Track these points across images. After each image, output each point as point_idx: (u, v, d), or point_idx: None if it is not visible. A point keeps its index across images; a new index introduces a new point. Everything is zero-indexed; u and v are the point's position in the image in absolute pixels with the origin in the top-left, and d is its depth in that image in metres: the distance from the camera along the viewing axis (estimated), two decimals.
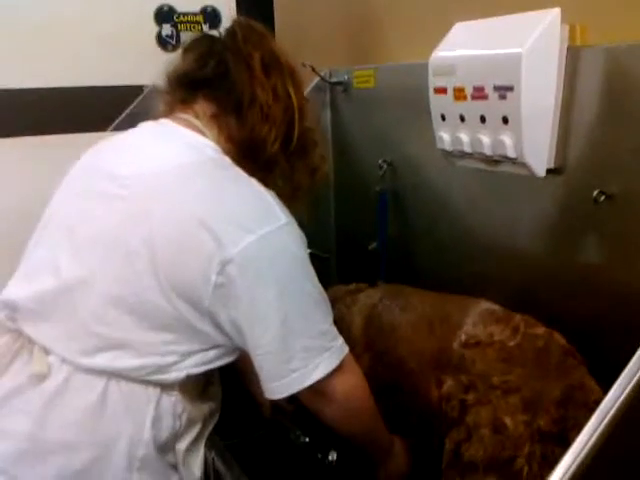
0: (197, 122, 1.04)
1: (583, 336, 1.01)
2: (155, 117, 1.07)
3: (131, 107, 2.07)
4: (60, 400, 0.94)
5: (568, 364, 0.93)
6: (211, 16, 1.60)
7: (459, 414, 0.94)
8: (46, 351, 0.96)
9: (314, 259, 1.67)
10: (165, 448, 1.00)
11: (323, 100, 1.59)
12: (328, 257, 1.66)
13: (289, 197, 1.05)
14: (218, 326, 0.95)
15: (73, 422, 0.94)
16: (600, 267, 1.03)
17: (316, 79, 1.55)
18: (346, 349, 1.00)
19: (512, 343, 0.94)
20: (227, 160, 1.02)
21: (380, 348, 1.17)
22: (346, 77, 1.52)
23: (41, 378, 0.94)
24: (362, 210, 1.58)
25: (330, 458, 1.11)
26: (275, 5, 1.54)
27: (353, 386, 1.02)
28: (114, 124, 2.01)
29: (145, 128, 1.08)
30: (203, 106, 1.05)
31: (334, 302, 1.37)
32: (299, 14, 1.72)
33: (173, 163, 0.98)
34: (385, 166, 1.45)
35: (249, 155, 1.03)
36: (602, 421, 0.68)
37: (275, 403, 1.17)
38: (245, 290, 0.91)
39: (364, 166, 1.53)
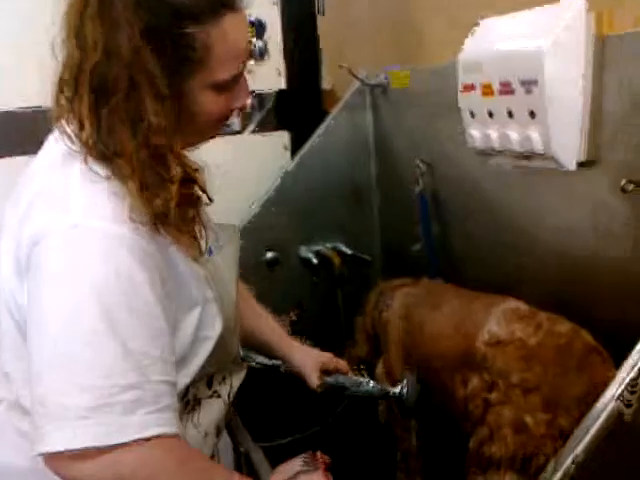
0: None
1: (619, 331, 0.97)
2: None
3: None
4: None
5: (592, 361, 0.90)
6: (257, 26, 1.70)
7: (482, 413, 0.94)
8: None
9: (358, 261, 1.69)
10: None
11: (364, 102, 1.60)
12: (371, 260, 1.66)
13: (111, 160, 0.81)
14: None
15: None
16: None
17: (357, 83, 1.57)
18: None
19: (533, 341, 0.92)
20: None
21: (411, 347, 1.17)
22: (384, 78, 1.52)
23: None
24: (405, 211, 1.56)
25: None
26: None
27: None
28: None
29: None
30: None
31: (379, 296, 1.38)
32: (341, 23, 1.75)
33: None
34: (423, 166, 1.44)
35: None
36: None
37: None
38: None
39: (405, 167, 1.53)
